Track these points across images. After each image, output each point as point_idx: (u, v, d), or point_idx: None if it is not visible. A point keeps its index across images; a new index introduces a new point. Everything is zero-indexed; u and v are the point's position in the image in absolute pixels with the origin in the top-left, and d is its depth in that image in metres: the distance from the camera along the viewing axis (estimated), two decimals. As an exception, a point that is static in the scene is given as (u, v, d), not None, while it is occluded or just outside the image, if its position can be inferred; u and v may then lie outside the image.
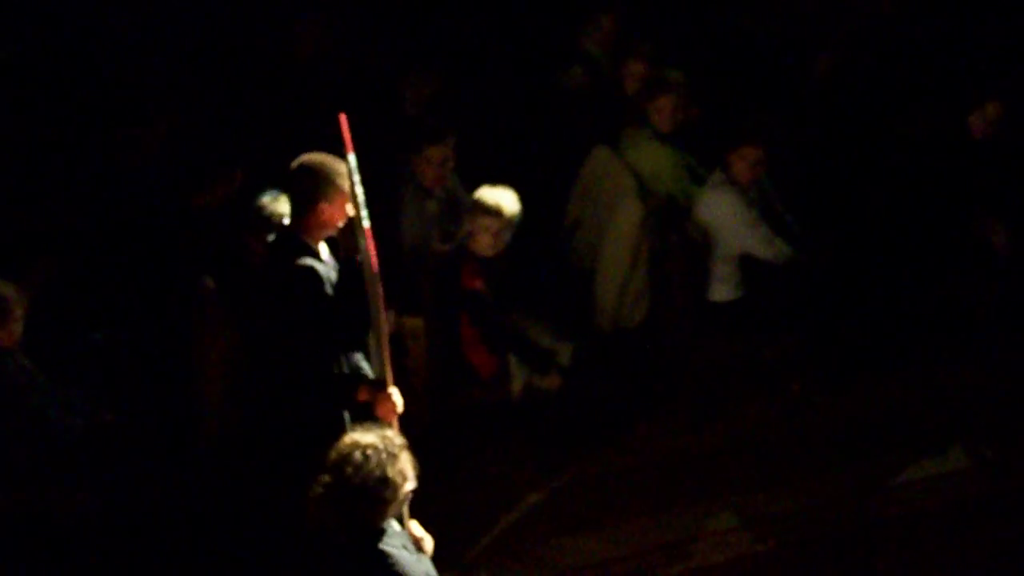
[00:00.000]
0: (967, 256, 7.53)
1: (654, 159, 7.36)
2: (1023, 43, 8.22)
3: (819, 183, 7.74)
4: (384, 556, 4.32)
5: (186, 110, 7.47)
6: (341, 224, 5.34)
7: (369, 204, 5.13)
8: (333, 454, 4.32)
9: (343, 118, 5.07)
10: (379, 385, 5.20)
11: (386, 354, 5.16)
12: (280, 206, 6.00)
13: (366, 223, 5.08)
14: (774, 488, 6.66)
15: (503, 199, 6.51)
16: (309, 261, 5.28)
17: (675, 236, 7.23)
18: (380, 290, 5.09)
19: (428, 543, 4.93)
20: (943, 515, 6.48)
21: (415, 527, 4.94)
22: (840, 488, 6.65)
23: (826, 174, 7.76)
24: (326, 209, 5.27)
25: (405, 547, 4.50)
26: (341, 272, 5.38)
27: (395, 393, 5.19)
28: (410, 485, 4.40)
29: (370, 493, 4.27)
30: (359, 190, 5.09)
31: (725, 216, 7.03)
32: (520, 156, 7.69)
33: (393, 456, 4.32)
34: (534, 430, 6.88)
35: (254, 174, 6.60)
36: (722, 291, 7.16)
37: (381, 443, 4.32)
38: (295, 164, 5.32)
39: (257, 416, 5.70)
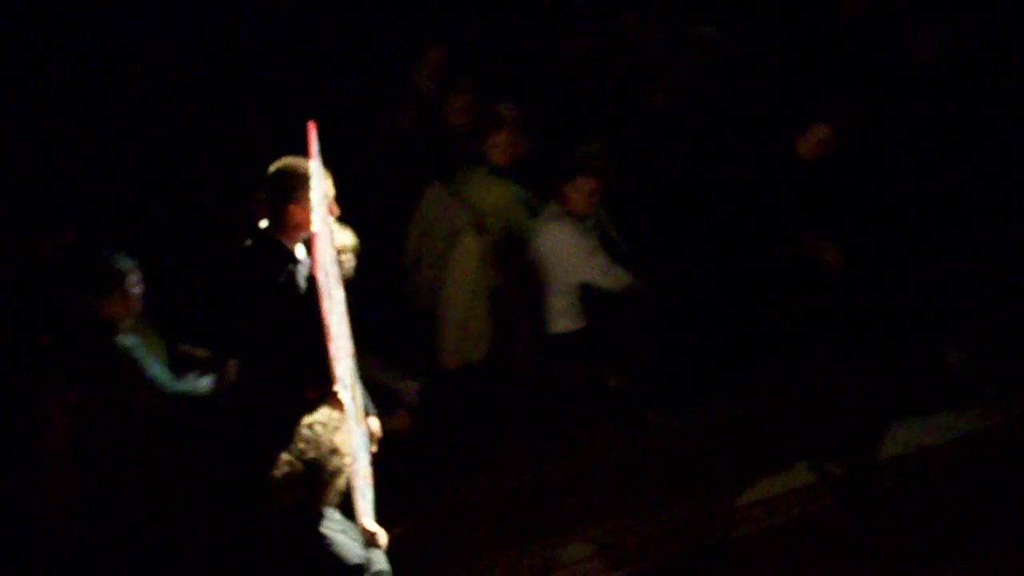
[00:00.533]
0: (800, 275, 7.69)
1: (490, 194, 7.38)
2: (848, 67, 8.49)
3: (653, 210, 7.86)
4: (323, 537, 4.63)
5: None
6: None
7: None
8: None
9: (311, 126, 5.29)
10: (327, 383, 5.28)
11: (332, 351, 5.27)
12: (122, 262, 5.92)
13: (315, 227, 5.31)
14: (626, 515, 6.72)
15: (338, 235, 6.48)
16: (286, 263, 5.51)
17: (514, 270, 7.32)
18: (321, 293, 5.22)
19: (382, 537, 5.13)
20: (789, 532, 6.62)
21: (368, 522, 5.14)
22: (690, 511, 6.74)
23: (659, 201, 7.90)
24: (296, 211, 5.47)
25: (344, 532, 4.73)
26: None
27: (343, 393, 5.30)
28: (349, 459, 4.74)
29: (323, 464, 4.62)
30: (316, 196, 5.31)
31: (562, 247, 7.09)
32: (355, 196, 7.65)
33: (337, 428, 4.70)
34: (383, 470, 6.85)
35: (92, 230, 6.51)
36: (563, 322, 7.21)
37: (326, 418, 4.71)
38: (271, 169, 5.52)
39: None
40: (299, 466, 4.62)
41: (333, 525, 4.72)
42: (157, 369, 6.12)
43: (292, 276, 5.57)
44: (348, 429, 4.80)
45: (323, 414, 4.80)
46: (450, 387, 7.30)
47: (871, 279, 7.93)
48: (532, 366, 7.31)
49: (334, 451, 4.66)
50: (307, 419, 4.76)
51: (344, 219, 6.45)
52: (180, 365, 6.28)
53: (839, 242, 7.69)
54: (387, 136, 7.96)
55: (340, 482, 4.73)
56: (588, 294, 7.21)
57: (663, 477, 7.00)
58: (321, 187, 5.39)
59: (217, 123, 7.70)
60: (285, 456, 4.63)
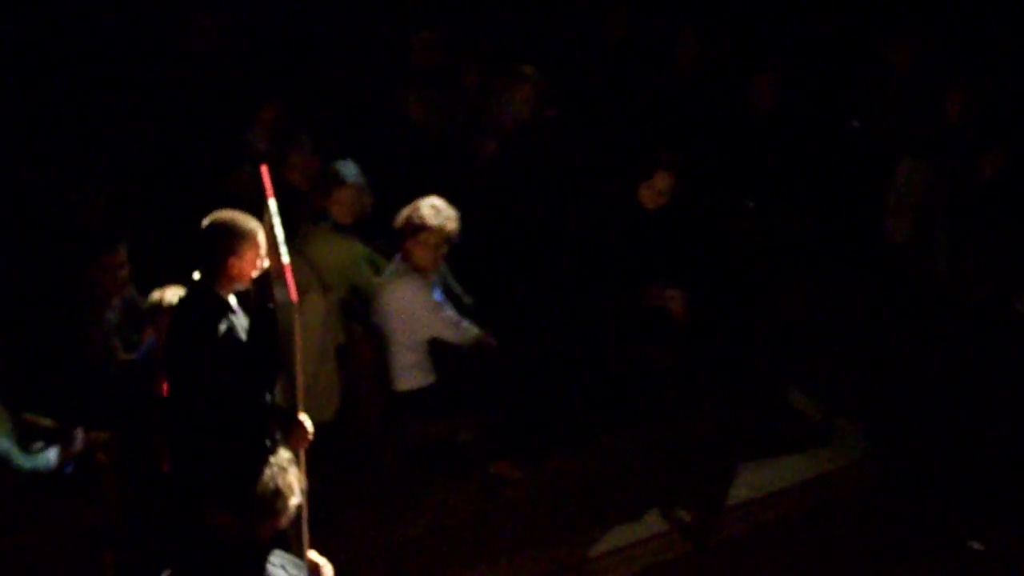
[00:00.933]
0: (646, 324, 7.77)
1: (334, 252, 7.34)
2: (694, 117, 8.68)
3: (496, 262, 7.90)
4: (264, 573, 4.70)
5: None
6: (253, 275, 5.72)
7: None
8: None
9: (264, 168, 5.72)
10: (289, 415, 5.55)
11: (299, 381, 5.51)
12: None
13: (286, 259, 5.45)
14: (476, 571, 6.73)
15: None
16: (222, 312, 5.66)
17: (360, 328, 7.28)
18: (297, 319, 5.39)
19: (327, 570, 5.19)
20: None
21: (313, 554, 5.23)
22: (544, 564, 6.74)
23: (502, 253, 7.94)
24: (236, 263, 5.63)
25: (284, 568, 4.78)
26: (254, 320, 5.74)
27: (306, 420, 5.54)
28: (296, 500, 4.84)
29: (266, 504, 4.72)
30: (279, 231, 5.52)
31: (409, 303, 7.05)
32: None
33: (283, 470, 4.80)
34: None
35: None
36: (412, 379, 7.18)
37: (273, 459, 4.81)
38: (206, 222, 5.65)
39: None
40: (245, 503, 4.74)
41: (274, 560, 4.79)
42: (6, 445, 6.08)
43: (232, 327, 5.69)
44: (295, 472, 4.88)
45: (275, 456, 4.90)
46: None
47: (717, 326, 8.03)
48: (382, 424, 7.27)
49: (278, 493, 4.76)
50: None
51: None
52: (26, 435, 6.26)
53: (685, 291, 7.77)
54: (225, 197, 7.89)
55: (282, 521, 4.82)
56: (436, 349, 7.20)
57: (516, 530, 6.98)
58: (278, 225, 5.63)
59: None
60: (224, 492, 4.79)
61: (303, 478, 4.97)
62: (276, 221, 5.62)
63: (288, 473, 4.82)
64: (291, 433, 5.59)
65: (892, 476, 7.44)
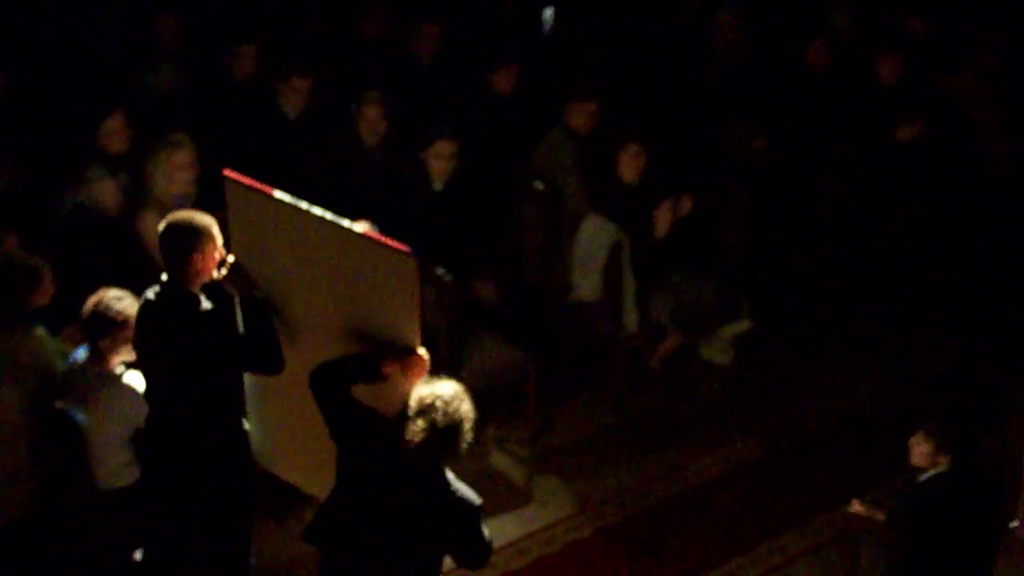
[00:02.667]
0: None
1: (26, 346, 6.96)
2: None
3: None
4: (452, 485, 5.44)
5: None
6: (214, 270, 6.13)
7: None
8: (418, 405, 5.37)
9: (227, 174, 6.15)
10: (406, 351, 5.71)
11: (418, 317, 5.73)
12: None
13: (360, 227, 5.93)
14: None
15: None
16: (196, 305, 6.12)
17: (55, 424, 6.96)
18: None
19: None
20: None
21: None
22: None
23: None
24: (199, 259, 6.05)
25: (456, 479, 5.48)
26: (228, 310, 6.13)
27: (424, 352, 5.75)
28: (470, 426, 5.45)
29: (451, 432, 5.36)
30: (313, 207, 5.89)
31: (120, 400, 6.75)
32: None
33: (461, 400, 5.42)
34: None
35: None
36: (122, 475, 6.89)
37: (453, 390, 5.43)
38: (163, 226, 6.09)
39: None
40: (433, 434, 5.33)
41: (449, 474, 5.49)
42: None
43: (211, 317, 6.15)
44: (469, 400, 5.47)
45: (447, 387, 5.44)
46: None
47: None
48: (88, 524, 6.96)
49: (463, 420, 5.40)
50: (436, 389, 5.43)
51: None
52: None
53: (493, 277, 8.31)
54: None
55: (463, 447, 5.44)
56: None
57: None
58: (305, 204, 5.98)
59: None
60: (420, 423, 5.34)
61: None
62: (303, 204, 5.95)
63: (465, 402, 5.43)
64: (411, 368, 5.73)
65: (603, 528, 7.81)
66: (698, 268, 8.91)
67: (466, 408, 5.42)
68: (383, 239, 5.76)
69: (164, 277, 6.15)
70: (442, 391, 5.41)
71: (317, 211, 5.88)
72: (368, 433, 5.54)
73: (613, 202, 8.53)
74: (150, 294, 6.20)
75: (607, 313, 8.59)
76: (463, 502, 5.46)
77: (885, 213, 9.84)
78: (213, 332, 6.11)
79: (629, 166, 8.57)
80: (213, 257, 6.12)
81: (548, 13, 11.07)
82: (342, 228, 5.81)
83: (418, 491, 5.42)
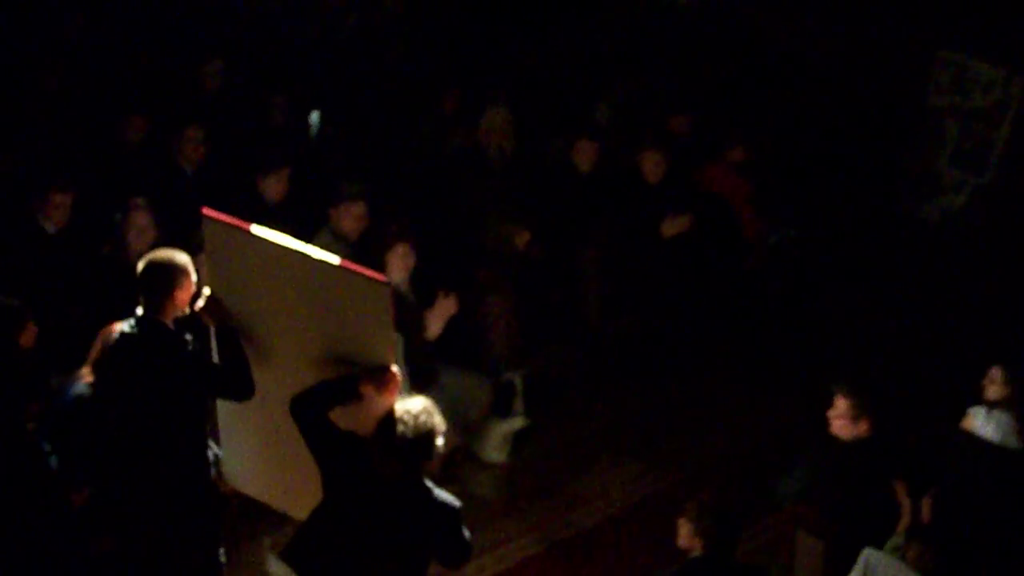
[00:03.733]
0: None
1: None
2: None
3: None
4: (431, 490, 5.93)
5: None
6: (188, 304, 6.54)
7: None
8: (386, 420, 5.87)
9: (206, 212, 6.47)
10: (381, 370, 6.09)
11: (391, 339, 6.22)
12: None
13: (335, 259, 6.23)
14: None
15: None
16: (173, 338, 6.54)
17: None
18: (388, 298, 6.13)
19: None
20: None
21: None
22: None
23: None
24: (179, 294, 6.51)
25: (439, 489, 5.95)
26: (203, 341, 6.61)
27: (396, 370, 6.12)
28: (441, 440, 5.96)
29: (422, 443, 5.87)
30: (289, 240, 6.30)
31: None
32: None
33: (430, 414, 5.93)
34: None
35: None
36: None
37: (422, 405, 5.94)
38: (143, 264, 6.51)
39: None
40: (405, 446, 5.84)
41: (431, 485, 5.96)
42: None
43: (189, 348, 6.56)
44: (439, 416, 5.95)
45: (417, 402, 5.94)
46: None
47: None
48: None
49: (432, 433, 5.91)
50: (406, 403, 5.94)
51: None
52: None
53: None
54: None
55: (435, 456, 5.97)
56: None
57: None
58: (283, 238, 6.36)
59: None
60: (402, 428, 5.84)
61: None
62: (279, 236, 6.33)
63: (435, 415, 5.92)
64: (386, 386, 6.09)
65: None
66: (469, 366, 9.01)
67: (435, 420, 5.93)
68: (358, 268, 6.20)
69: (139, 311, 6.55)
70: (411, 406, 5.93)
71: (293, 244, 6.28)
72: (349, 453, 5.99)
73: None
74: (125, 327, 6.57)
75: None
76: (444, 506, 5.96)
77: (652, 307, 10.10)
78: (189, 363, 6.52)
79: (398, 267, 8.64)
80: (189, 291, 6.55)
81: (314, 117, 11.16)
82: (318, 260, 6.20)
83: (400, 501, 5.91)
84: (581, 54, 12.69)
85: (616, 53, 12.78)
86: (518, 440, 9.21)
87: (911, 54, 12.83)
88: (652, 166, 10.15)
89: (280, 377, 6.40)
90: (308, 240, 8.69)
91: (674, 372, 10.31)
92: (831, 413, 7.15)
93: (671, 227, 10.00)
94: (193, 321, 6.61)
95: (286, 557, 6.22)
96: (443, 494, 5.97)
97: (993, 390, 7.79)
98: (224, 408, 6.84)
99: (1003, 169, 12.51)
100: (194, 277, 6.56)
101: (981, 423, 7.74)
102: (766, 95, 12.59)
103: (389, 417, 5.90)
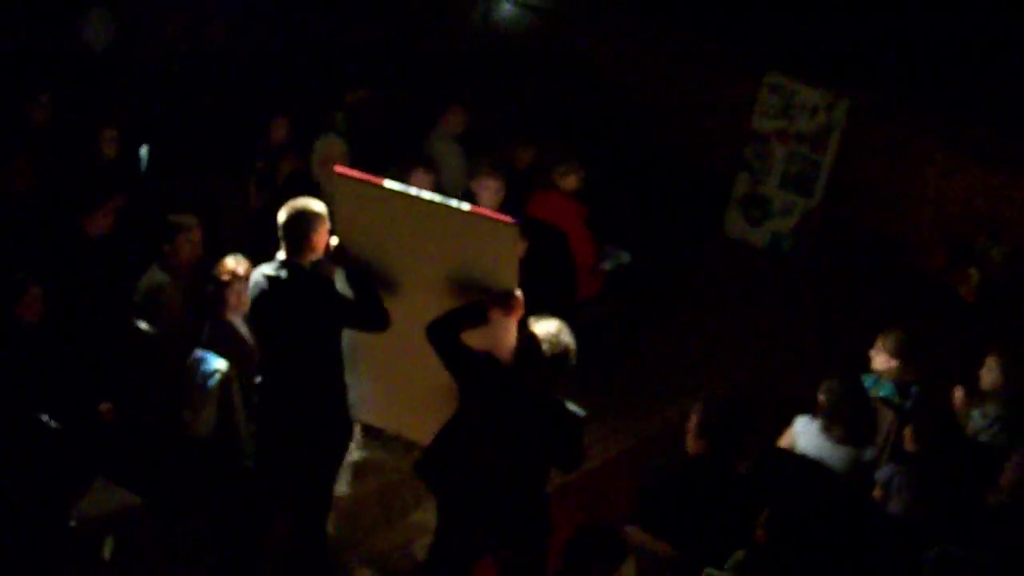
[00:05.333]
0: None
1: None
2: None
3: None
4: (559, 400, 6.66)
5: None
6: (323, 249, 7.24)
7: None
8: (529, 338, 6.66)
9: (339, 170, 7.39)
10: (506, 295, 6.88)
11: (516, 268, 6.95)
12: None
13: (466, 206, 7.13)
14: None
15: None
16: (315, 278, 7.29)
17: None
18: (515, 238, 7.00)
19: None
20: None
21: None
22: None
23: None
24: (315, 239, 7.22)
25: (570, 403, 6.69)
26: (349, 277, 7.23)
27: (519, 293, 6.89)
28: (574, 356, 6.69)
29: (560, 360, 6.62)
30: (419, 192, 7.25)
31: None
32: None
33: (567, 333, 6.68)
34: None
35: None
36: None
37: (558, 325, 6.70)
38: (286, 212, 7.20)
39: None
40: (549, 360, 6.58)
41: (562, 399, 6.69)
42: None
43: (324, 287, 7.27)
44: (570, 333, 6.70)
45: (552, 324, 6.68)
46: None
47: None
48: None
49: (567, 349, 6.65)
50: (544, 324, 6.68)
51: None
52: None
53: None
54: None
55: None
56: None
57: None
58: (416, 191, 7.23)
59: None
60: (545, 347, 6.61)
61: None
62: (413, 190, 7.23)
63: (568, 334, 6.67)
64: (513, 308, 6.89)
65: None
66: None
67: (568, 339, 6.66)
68: (487, 212, 7.14)
69: (282, 256, 7.24)
70: (550, 327, 6.68)
71: (425, 195, 7.15)
72: (485, 370, 6.73)
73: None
74: (269, 270, 7.27)
75: (223, 448, 8.40)
76: (573, 415, 6.67)
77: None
78: (332, 297, 7.20)
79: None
80: (325, 237, 7.22)
81: (143, 151, 11.07)
82: (450, 207, 7.00)
83: (533, 412, 6.62)
84: (417, 82, 12.82)
85: (453, 82, 12.91)
86: (358, 472, 9.15)
87: (739, 78, 13.09)
88: (490, 195, 9.97)
89: (409, 312, 7.09)
90: (137, 277, 8.91)
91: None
92: (687, 425, 7.40)
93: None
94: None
95: (420, 471, 7.10)
96: (572, 406, 6.69)
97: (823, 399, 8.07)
98: (353, 344, 7.43)
99: (829, 192, 12.90)
100: (328, 224, 7.26)
101: (801, 428, 8.04)
102: (597, 121, 12.85)
103: (530, 338, 6.65)
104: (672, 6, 13.46)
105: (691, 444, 7.33)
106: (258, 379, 7.55)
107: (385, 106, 12.20)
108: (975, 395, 8.62)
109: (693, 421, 7.33)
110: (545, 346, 6.63)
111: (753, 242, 13.15)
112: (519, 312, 6.86)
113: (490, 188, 9.80)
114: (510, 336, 6.84)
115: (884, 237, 12.75)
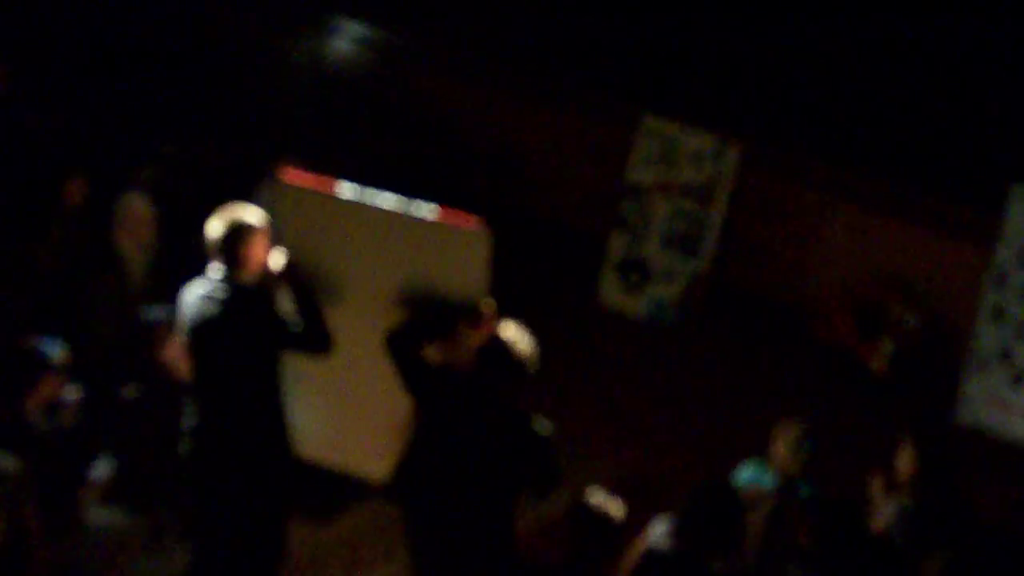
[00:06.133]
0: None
1: None
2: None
3: None
4: (526, 415, 6.58)
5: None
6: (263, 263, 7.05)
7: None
8: (496, 345, 6.60)
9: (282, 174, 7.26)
10: (476, 309, 6.75)
11: (486, 282, 6.85)
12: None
13: (430, 214, 6.88)
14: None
15: None
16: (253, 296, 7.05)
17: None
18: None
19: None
20: None
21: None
22: None
23: None
24: (252, 253, 6.99)
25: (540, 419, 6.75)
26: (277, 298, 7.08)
27: (492, 304, 6.81)
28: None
29: (525, 364, 6.59)
30: (375, 199, 6.94)
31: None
32: None
33: (525, 336, 6.66)
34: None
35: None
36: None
37: (516, 327, 6.66)
38: (221, 225, 6.96)
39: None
40: (517, 365, 6.56)
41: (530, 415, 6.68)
42: None
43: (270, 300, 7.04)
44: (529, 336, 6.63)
45: (512, 327, 6.59)
46: None
47: None
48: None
49: (532, 352, 6.60)
50: (510, 332, 6.59)
51: None
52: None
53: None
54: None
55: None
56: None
57: None
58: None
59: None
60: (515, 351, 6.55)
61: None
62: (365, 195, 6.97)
63: (526, 337, 6.58)
64: (485, 321, 6.73)
65: None
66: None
67: (528, 342, 6.56)
68: (454, 220, 6.86)
69: (217, 272, 6.98)
70: (512, 332, 6.57)
71: (380, 204, 6.87)
72: (446, 384, 6.56)
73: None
74: (203, 289, 7.01)
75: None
76: (540, 432, 6.50)
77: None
78: (271, 319, 6.91)
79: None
80: (262, 252, 6.95)
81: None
82: (410, 218, 6.82)
83: (499, 427, 6.47)
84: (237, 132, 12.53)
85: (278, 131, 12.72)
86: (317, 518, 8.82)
87: (612, 123, 12.59)
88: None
89: (360, 333, 6.88)
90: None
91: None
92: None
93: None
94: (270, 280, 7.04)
95: (389, 496, 7.14)
96: (540, 420, 6.54)
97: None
98: (295, 373, 7.13)
99: (719, 253, 12.34)
100: (266, 238, 6.99)
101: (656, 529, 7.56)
102: (446, 174, 12.64)
103: (494, 345, 6.52)
104: (529, 42, 13.02)
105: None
106: (191, 410, 7.26)
107: (200, 161, 11.89)
108: (892, 486, 8.15)
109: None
110: (516, 349, 6.58)
111: (632, 311, 12.49)
112: (488, 327, 6.76)
113: None
114: (469, 347, 6.74)
115: (782, 304, 12.35)
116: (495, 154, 13.17)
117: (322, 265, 7.03)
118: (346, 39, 13.92)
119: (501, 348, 6.54)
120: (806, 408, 9.02)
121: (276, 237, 7.03)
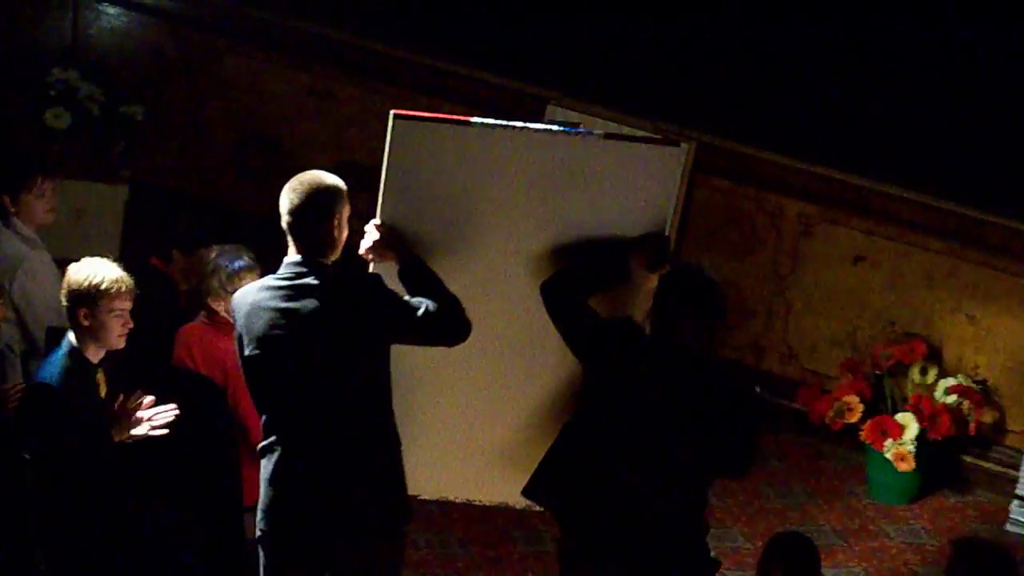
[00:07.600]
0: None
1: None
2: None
3: None
4: (715, 372, 5.76)
5: None
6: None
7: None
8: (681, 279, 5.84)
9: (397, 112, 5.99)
10: (655, 241, 5.99)
11: (673, 206, 6.29)
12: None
13: (598, 131, 6.26)
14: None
15: None
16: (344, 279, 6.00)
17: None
18: None
19: None
20: None
21: None
22: None
23: None
24: (341, 225, 5.93)
25: None
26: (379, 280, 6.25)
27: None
28: None
29: (722, 308, 5.87)
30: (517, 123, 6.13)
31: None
32: None
33: (713, 277, 6.18)
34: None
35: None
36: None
37: (705, 270, 6.10)
38: (295, 194, 5.83)
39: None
40: (702, 319, 5.91)
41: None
42: None
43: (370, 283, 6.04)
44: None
45: (694, 268, 6.31)
46: None
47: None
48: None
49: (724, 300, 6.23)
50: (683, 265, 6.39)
51: None
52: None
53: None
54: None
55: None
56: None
57: None
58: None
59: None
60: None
61: None
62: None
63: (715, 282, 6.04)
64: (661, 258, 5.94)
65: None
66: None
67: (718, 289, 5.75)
68: (632, 135, 6.46)
69: (295, 257, 5.81)
70: (693, 274, 5.87)
71: (531, 125, 5.95)
72: (623, 339, 5.65)
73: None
74: (276, 280, 5.79)
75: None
76: (738, 390, 5.77)
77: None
78: (387, 303, 5.70)
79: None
80: (346, 225, 5.92)
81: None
82: (579, 135, 5.89)
83: (687, 388, 5.54)
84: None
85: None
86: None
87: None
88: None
89: (500, 313, 5.94)
90: None
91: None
92: None
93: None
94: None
95: (530, 494, 5.88)
96: (733, 381, 5.81)
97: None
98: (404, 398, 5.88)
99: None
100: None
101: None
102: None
103: (681, 282, 5.71)
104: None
105: None
106: (266, 448, 5.88)
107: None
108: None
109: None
110: (709, 283, 5.77)
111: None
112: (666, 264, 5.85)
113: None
114: (647, 292, 5.80)
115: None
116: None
117: (448, 223, 5.87)
118: (123, 5, 11.63)
119: (695, 285, 5.68)
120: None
121: (403, 186, 5.83)
